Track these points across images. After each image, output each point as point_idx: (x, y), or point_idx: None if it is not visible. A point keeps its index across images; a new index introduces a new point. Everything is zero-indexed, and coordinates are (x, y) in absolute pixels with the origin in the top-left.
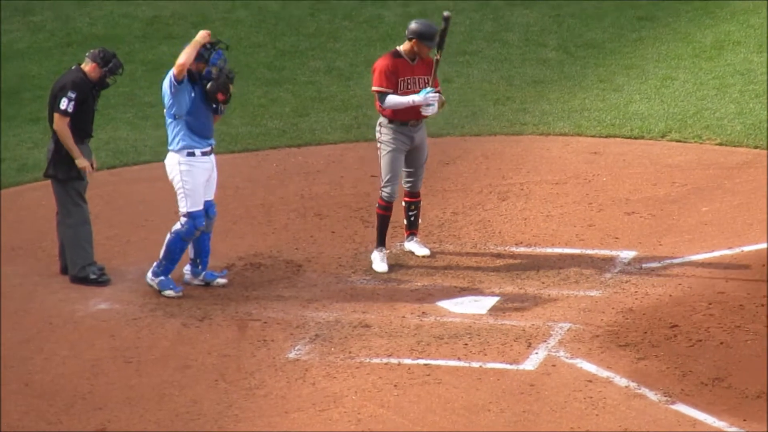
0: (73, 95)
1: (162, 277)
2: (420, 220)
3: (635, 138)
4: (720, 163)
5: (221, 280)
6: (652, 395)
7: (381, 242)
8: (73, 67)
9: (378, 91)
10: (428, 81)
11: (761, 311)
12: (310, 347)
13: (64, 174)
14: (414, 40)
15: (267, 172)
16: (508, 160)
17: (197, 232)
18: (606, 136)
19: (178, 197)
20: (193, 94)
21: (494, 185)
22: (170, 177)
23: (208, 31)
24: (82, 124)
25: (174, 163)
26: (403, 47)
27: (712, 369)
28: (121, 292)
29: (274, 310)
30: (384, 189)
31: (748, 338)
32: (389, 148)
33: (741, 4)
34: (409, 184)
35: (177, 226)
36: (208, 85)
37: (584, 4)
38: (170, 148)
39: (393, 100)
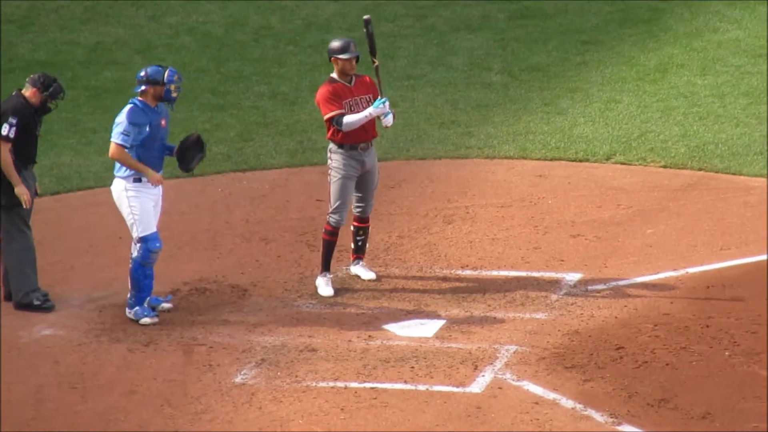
0: (14, 121)
1: (137, 308)
2: (367, 245)
3: (580, 161)
4: (664, 185)
5: (166, 305)
6: (599, 417)
7: (326, 267)
8: (14, 93)
9: (332, 117)
10: (370, 99)
11: (706, 332)
12: (256, 371)
13: (8, 200)
14: (333, 59)
15: (212, 197)
16: (454, 183)
17: (153, 254)
18: (551, 159)
19: (128, 224)
20: (148, 129)
21: (440, 208)
22: (117, 204)
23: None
24: (24, 149)
25: (120, 189)
26: (335, 72)
27: (657, 390)
28: (66, 318)
29: (220, 335)
30: (332, 215)
31: (693, 359)
32: (339, 175)
33: (684, 27)
34: (359, 209)
35: (133, 253)
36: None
37: (528, 28)
38: (117, 174)
39: (350, 119)
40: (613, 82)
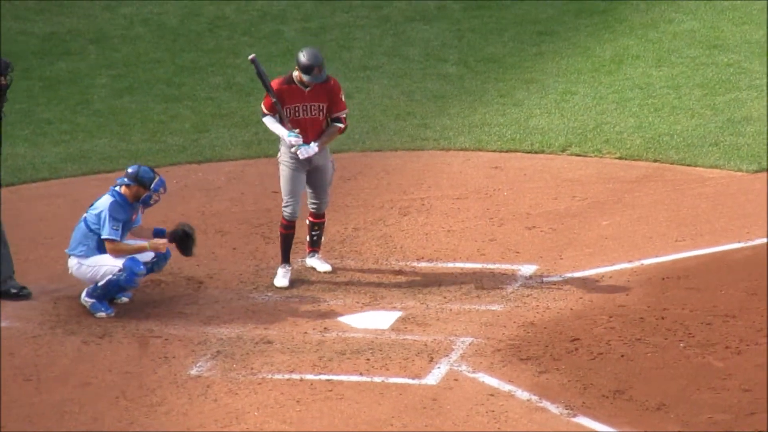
0: None
1: (95, 301)
2: (323, 238)
3: (536, 152)
4: (620, 176)
5: (124, 298)
6: (554, 408)
7: (284, 259)
8: None
9: (262, 110)
10: (322, 108)
11: (661, 324)
12: (211, 364)
13: None
14: (298, 72)
15: (168, 188)
16: (409, 175)
17: (138, 277)
18: (506, 151)
19: (100, 275)
20: (119, 228)
21: (395, 200)
22: (92, 275)
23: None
24: None
25: (75, 264)
26: (296, 75)
27: (613, 382)
28: (20, 309)
29: (176, 327)
30: (285, 208)
31: (648, 351)
32: (287, 168)
33: (640, 18)
34: (313, 206)
35: (115, 274)
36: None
37: (484, 18)
38: (72, 252)
39: (268, 123)
40: (569, 73)
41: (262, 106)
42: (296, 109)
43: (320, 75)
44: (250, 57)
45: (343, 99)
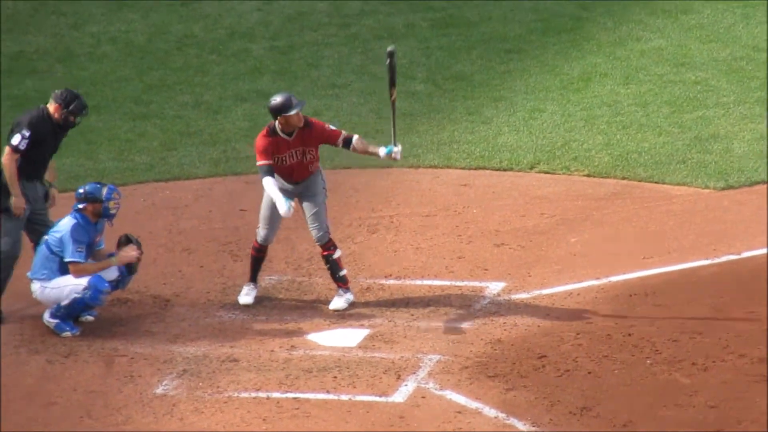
0: (27, 133)
1: (58, 321)
2: (341, 274)
3: (504, 170)
4: (588, 194)
5: (89, 317)
6: (521, 425)
7: (251, 278)
8: (39, 106)
9: (260, 166)
10: (303, 152)
11: (628, 341)
12: (177, 382)
13: (4, 204)
14: (279, 117)
15: (135, 206)
16: (378, 192)
17: (104, 295)
18: (475, 168)
19: (64, 295)
20: (83, 250)
21: (364, 218)
22: (57, 296)
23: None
24: (34, 164)
25: (39, 288)
26: (277, 125)
27: (580, 398)
28: None
29: (142, 345)
30: (258, 231)
31: (616, 368)
32: (266, 192)
33: (607, 36)
34: (313, 233)
35: (80, 293)
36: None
37: (452, 36)
38: (34, 276)
39: (265, 183)
40: (537, 91)
41: (259, 162)
42: (283, 158)
43: (300, 102)
44: (389, 49)
45: (331, 127)
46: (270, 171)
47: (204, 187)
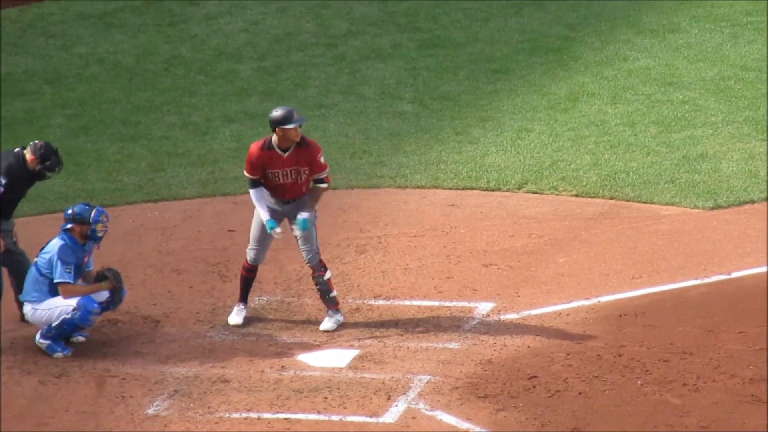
0: (3, 181)
1: (50, 342)
2: (332, 295)
3: (492, 190)
4: (576, 214)
5: (80, 338)
6: None
7: (241, 298)
8: (15, 150)
9: (247, 177)
10: (299, 171)
11: (618, 361)
12: (169, 403)
13: None
14: (277, 129)
15: (123, 227)
16: (366, 213)
17: (93, 316)
18: (463, 189)
19: (55, 315)
20: (71, 271)
21: (352, 238)
22: (47, 317)
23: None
24: (8, 206)
25: (30, 310)
26: (275, 139)
27: (570, 419)
28: None
29: (133, 366)
30: (248, 251)
31: (606, 388)
32: (256, 212)
33: (594, 56)
34: (303, 255)
35: (69, 313)
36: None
37: (439, 57)
38: (25, 298)
39: (254, 198)
40: (525, 111)
41: (246, 172)
42: (276, 174)
43: (300, 117)
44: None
45: (322, 160)
46: (255, 183)
47: (192, 207)
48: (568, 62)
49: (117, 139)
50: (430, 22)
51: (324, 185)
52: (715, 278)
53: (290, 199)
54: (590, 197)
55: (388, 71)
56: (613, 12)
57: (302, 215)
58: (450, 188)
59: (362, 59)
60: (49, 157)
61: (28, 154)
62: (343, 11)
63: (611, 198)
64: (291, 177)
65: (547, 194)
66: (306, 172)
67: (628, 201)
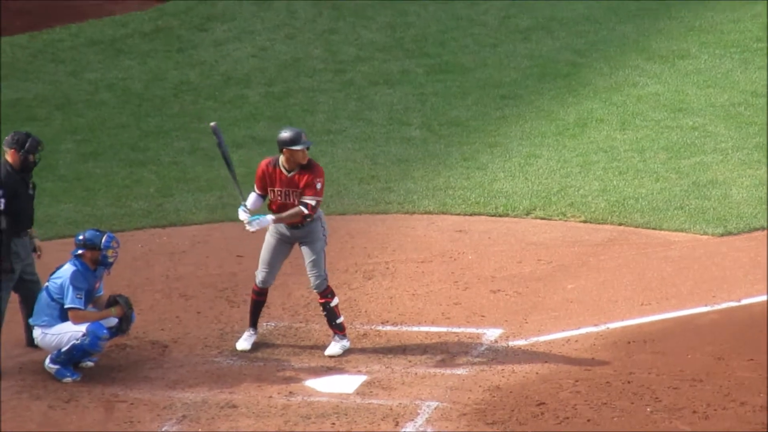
0: (0, 192)
1: (59, 367)
2: (338, 321)
3: (500, 216)
4: (585, 240)
5: (89, 363)
6: None
7: (251, 323)
8: (2, 161)
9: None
10: (296, 193)
11: (627, 388)
12: (177, 428)
13: None
14: (285, 150)
15: (132, 253)
16: (374, 238)
17: (103, 342)
18: (471, 214)
19: (65, 340)
20: (82, 297)
21: (360, 264)
22: (57, 342)
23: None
24: (18, 217)
25: (40, 334)
26: (282, 159)
27: None
28: None
29: (141, 391)
30: (257, 273)
31: (615, 415)
32: (269, 236)
33: (603, 82)
34: (311, 280)
35: (79, 339)
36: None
37: (447, 82)
38: (36, 322)
39: (250, 200)
40: (533, 136)
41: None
42: (279, 193)
43: (307, 140)
44: (212, 124)
45: (318, 187)
46: (256, 193)
47: (201, 233)
48: (577, 88)
49: (126, 164)
50: (439, 47)
51: (304, 210)
52: (724, 305)
53: (297, 223)
54: (599, 223)
55: (397, 97)
56: (622, 38)
57: (267, 217)
58: (458, 214)
59: (370, 85)
60: (26, 140)
61: (6, 154)
62: (352, 37)
63: (620, 224)
64: (292, 198)
65: (556, 220)
66: (296, 194)
67: (637, 227)
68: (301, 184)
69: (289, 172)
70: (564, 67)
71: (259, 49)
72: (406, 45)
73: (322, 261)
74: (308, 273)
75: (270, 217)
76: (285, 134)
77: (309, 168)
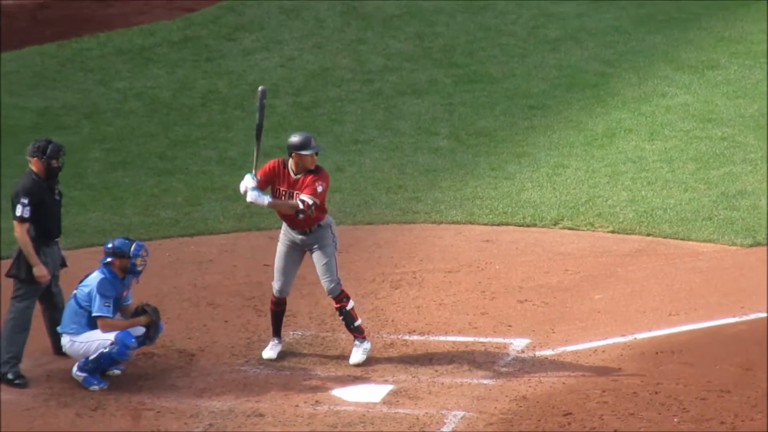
0: (26, 200)
1: (86, 375)
2: (356, 324)
3: (527, 226)
4: (612, 250)
5: (116, 371)
6: None
7: (274, 333)
8: (26, 171)
9: None
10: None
11: (655, 399)
12: None
13: (26, 275)
14: (294, 154)
15: (160, 261)
16: (401, 248)
17: (131, 350)
18: (498, 224)
19: (93, 348)
20: (110, 305)
21: (387, 274)
22: (85, 350)
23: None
24: (46, 225)
25: (68, 342)
26: (292, 162)
27: None
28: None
29: (168, 400)
30: (273, 284)
31: (642, 426)
32: (280, 244)
33: (632, 92)
34: (324, 286)
35: (107, 347)
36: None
37: (476, 92)
38: (64, 330)
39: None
40: (561, 146)
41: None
42: (284, 193)
43: (317, 145)
44: (260, 88)
45: (319, 189)
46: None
47: (228, 242)
48: (606, 98)
49: (154, 173)
50: (467, 57)
51: (299, 205)
52: (753, 316)
53: (299, 226)
54: (627, 234)
55: (424, 107)
56: (652, 48)
57: (265, 198)
58: (485, 224)
59: (398, 95)
60: (46, 147)
61: (31, 163)
62: (380, 47)
63: (648, 234)
64: (290, 198)
65: (584, 230)
66: (297, 196)
67: (665, 238)
68: (304, 185)
69: (296, 174)
70: (593, 78)
71: (287, 59)
72: (434, 55)
73: (333, 265)
74: (321, 278)
75: (268, 199)
76: (294, 139)
77: (316, 172)
